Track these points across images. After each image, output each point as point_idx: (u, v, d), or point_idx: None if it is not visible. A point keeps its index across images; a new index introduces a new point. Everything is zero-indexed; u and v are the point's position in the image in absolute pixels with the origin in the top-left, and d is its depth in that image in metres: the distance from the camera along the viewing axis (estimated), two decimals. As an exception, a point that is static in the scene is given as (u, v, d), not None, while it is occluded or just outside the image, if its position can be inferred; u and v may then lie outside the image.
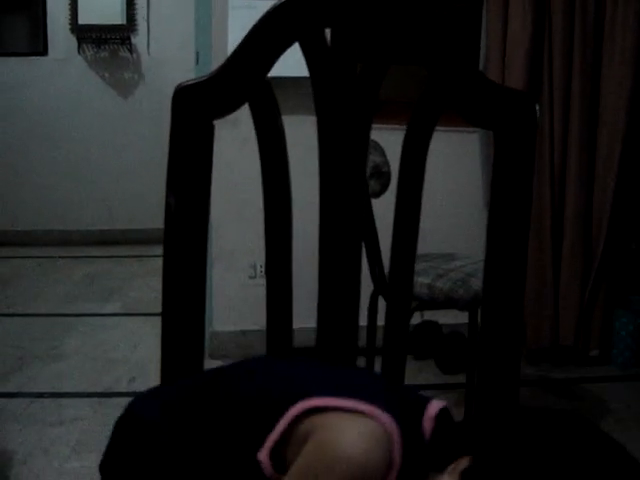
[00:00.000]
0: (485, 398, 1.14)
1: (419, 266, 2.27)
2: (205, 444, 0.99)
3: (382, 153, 2.20)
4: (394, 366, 1.20)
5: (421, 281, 2.24)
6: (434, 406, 0.98)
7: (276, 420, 0.92)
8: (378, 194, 2.13)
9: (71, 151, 5.07)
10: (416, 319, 3.26)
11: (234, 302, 3.12)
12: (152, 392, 1.13)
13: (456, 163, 3.17)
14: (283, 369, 1.08)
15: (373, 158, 2.16)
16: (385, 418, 0.88)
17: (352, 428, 0.86)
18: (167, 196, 1.13)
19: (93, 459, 2.12)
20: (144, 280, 4.08)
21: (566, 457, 0.85)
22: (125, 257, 4.74)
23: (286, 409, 0.92)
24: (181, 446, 1.00)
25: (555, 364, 3.29)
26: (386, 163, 2.19)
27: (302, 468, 0.87)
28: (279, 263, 1.21)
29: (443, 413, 0.97)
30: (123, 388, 2.74)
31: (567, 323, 3.25)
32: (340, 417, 0.89)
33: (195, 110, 1.12)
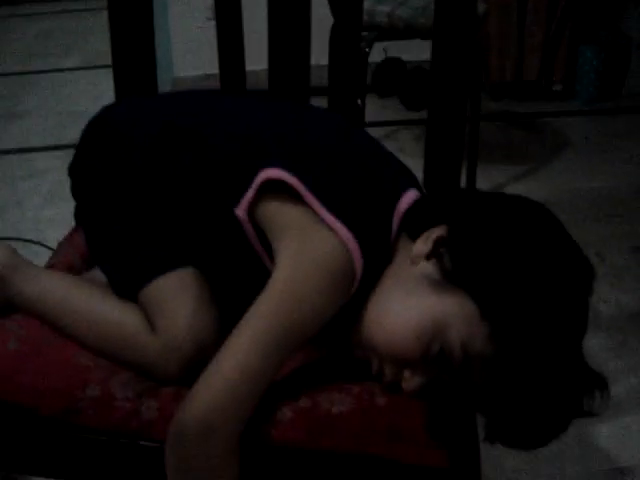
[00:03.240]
0: (436, 132, 1.14)
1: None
2: (178, 172, 0.98)
3: None
4: (347, 102, 1.20)
5: (380, 9, 2.17)
6: (406, 199, 0.94)
7: (243, 180, 0.91)
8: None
9: None
10: (380, 56, 3.23)
11: (194, 46, 3.00)
12: (135, 102, 1.12)
13: None
14: (240, 109, 1.06)
15: None
16: (345, 235, 0.86)
17: (316, 250, 0.86)
18: None
19: (66, 207, 2.17)
20: (102, 33, 3.86)
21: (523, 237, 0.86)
22: (79, 11, 4.56)
23: (251, 172, 0.91)
24: (157, 174, 0.99)
25: (519, 99, 3.32)
26: None
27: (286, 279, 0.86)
28: (227, 5, 1.18)
29: (416, 205, 0.94)
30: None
31: (531, 60, 3.25)
32: (303, 230, 0.88)
33: None
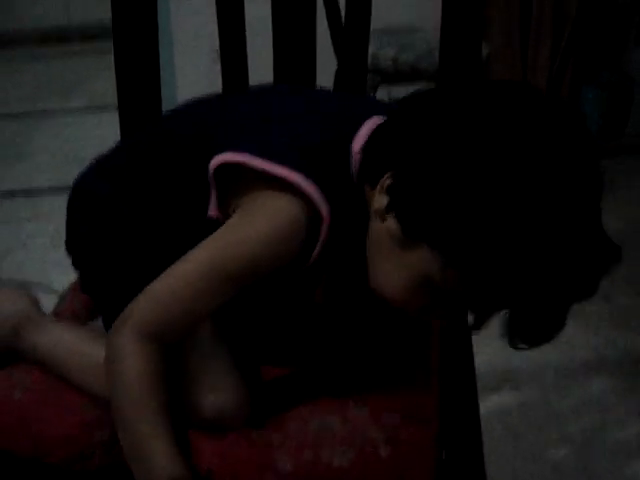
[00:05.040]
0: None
1: (382, 40, 2.23)
2: (159, 205, 1.00)
3: None
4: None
5: (385, 53, 2.19)
6: (362, 133, 0.90)
7: (203, 181, 0.92)
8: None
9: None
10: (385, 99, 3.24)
11: (200, 88, 3.02)
12: (97, 162, 1.12)
13: None
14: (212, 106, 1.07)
15: None
16: (302, 182, 0.85)
17: (273, 207, 0.87)
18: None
19: (71, 248, 2.17)
20: (107, 74, 3.89)
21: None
22: (85, 52, 4.60)
23: (205, 169, 0.91)
24: (138, 213, 1.01)
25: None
26: None
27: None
28: (234, 46, 1.19)
29: (377, 132, 0.89)
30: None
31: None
32: (260, 195, 0.88)
33: None
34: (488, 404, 1.73)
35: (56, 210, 2.57)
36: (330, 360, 1.02)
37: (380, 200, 0.84)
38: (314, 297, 1.01)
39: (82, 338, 1.01)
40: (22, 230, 2.51)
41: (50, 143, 3.23)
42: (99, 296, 1.05)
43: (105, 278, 1.02)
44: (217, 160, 0.89)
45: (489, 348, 1.87)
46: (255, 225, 0.86)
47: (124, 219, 1.01)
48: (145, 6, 1.13)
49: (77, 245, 1.09)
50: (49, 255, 2.34)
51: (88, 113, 3.58)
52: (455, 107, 0.82)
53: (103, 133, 3.26)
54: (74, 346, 0.99)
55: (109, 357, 0.86)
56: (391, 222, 0.82)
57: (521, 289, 0.78)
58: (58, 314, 1.10)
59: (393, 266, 0.84)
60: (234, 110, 1.01)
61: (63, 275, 2.18)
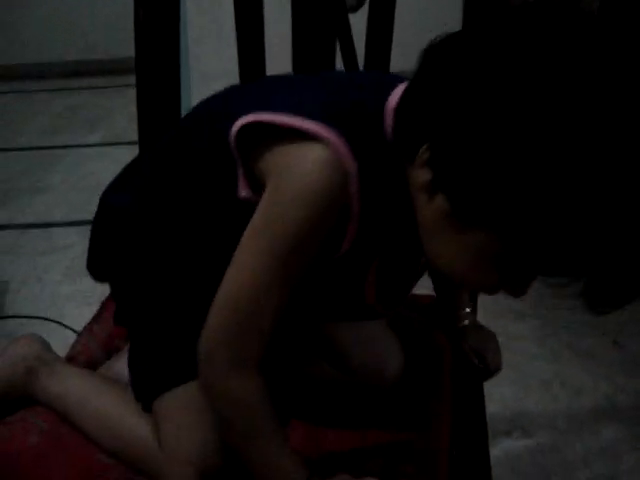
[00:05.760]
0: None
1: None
2: (185, 207, 0.94)
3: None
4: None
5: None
6: (397, 93, 0.81)
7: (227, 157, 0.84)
8: (355, 8, 2.07)
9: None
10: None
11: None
12: (121, 177, 1.06)
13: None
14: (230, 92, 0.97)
15: (349, -28, 2.08)
16: (327, 133, 0.77)
17: (303, 163, 0.77)
18: (135, 7, 1.10)
19: (84, 283, 2.20)
20: (126, 109, 3.91)
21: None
22: (105, 88, 4.65)
23: (226, 141, 0.83)
24: (162, 228, 0.96)
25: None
26: (363, -23, 2.13)
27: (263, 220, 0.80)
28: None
29: (409, 92, 0.78)
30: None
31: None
32: (286, 152, 0.79)
33: None
34: (499, 449, 1.72)
35: (71, 245, 2.62)
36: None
37: (422, 175, 0.74)
38: (364, 297, 0.94)
39: (93, 388, 1.01)
40: (37, 263, 2.53)
41: (67, 177, 3.27)
42: (129, 308, 1.02)
43: (137, 298, 0.99)
44: (238, 123, 0.81)
45: (501, 393, 1.88)
46: (289, 189, 0.78)
47: (149, 231, 0.97)
48: (168, 43, 1.14)
49: (102, 264, 1.05)
50: (63, 289, 2.37)
51: (106, 148, 3.61)
52: (491, 53, 0.67)
53: (120, 168, 3.28)
54: (85, 397, 0.99)
55: (213, 396, 0.84)
56: (440, 201, 0.73)
57: (592, 260, 0.70)
58: (73, 356, 1.11)
59: (451, 246, 0.75)
60: (254, 87, 0.95)
61: (76, 309, 2.22)
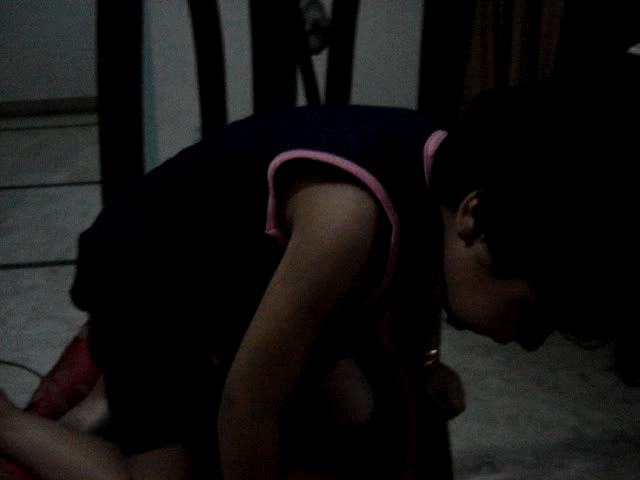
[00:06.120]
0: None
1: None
2: (202, 242, 0.90)
3: (320, 8, 2.16)
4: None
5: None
6: (433, 141, 0.81)
7: (262, 185, 0.81)
8: (319, 50, 2.11)
9: (3, 18, 4.85)
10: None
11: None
12: (117, 200, 1.02)
13: (396, 14, 3.10)
14: (247, 126, 0.95)
15: (312, 14, 2.12)
16: (371, 182, 0.74)
17: (338, 207, 0.74)
18: (98, 55, 1.11)
19: (49, 325, 2.18)
20: (91, 149, 3.98)
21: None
22: (70, 127, 4.65)
23: (261, 176, 0.81)
24: (178, 260, 0.92)
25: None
26: (325, 18, 2.16)
27: (291, 264, 0.77)
28: (215, 126, 1.22)
29: (451, 141, 0.78)
30: (75, 257, 2.72)
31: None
32: (323, 192, 0.76)
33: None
34: (467, 485, 1.72)
35: (35, 286, 2.60)
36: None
37: (465, 222, 0.73)
38: (376, 339, 0.93)
39: (53, 437, 0.99)
40: (1, 306, 2.50)
41: (31, 218, 3.25)
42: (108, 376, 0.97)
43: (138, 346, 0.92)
44: (279, 159, 0.79)
45: (468, 429, 1.88)
46: (325, 239, 0.74)
47: (164, 263, 0.92)
48: (130, 83, 1.15)
49: (90, 292, 0.97)
50: (26, 332, 2.33)
51: (71, 187, 3.60)
52: (547, 111, 0.69)
53: (85, 208, 3.30)
54: (44, 447, 0.98)
55: (229, 440, 0.83)
56: (480, 248, 0.72)
57: (624, 324, 0.70)
58: (35, 404, 1.09)
59: (482, 294, 0.75)
60: (290, 121, 0.89)
61: (39, 352, 2.19)
